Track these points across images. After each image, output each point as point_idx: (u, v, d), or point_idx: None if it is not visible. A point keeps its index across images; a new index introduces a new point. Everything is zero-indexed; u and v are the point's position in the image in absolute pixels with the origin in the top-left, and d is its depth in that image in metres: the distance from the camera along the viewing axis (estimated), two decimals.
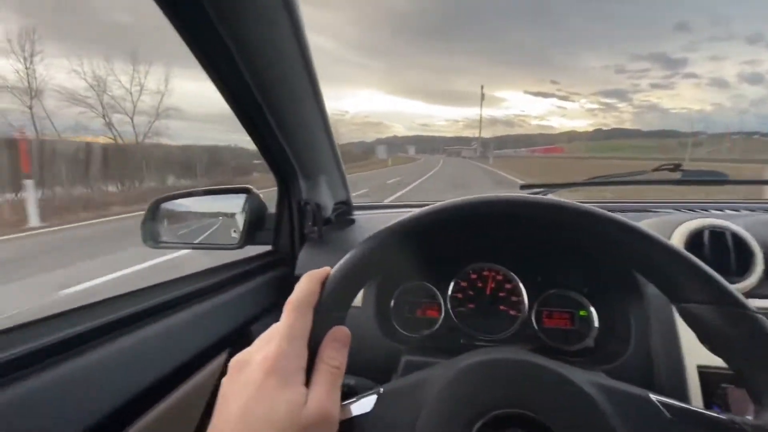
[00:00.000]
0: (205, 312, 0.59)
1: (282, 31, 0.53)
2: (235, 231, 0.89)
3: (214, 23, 0.46)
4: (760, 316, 0.29)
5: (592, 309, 0.70)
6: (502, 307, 0.74)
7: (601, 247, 0.35)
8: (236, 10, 0.46)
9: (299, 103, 0.64)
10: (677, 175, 0.90)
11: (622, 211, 0.90)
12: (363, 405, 0.33)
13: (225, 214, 0.91)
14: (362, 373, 0.55)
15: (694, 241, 0.62)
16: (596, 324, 0.69)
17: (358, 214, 0.99)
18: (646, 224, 0.74)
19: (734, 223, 0.63)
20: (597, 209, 0.34)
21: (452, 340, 0.74)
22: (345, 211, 0.97)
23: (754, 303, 0.59)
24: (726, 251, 0.61)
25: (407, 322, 0.76)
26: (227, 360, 0.61)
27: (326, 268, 0.35)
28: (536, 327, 0.71)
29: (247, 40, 0.50)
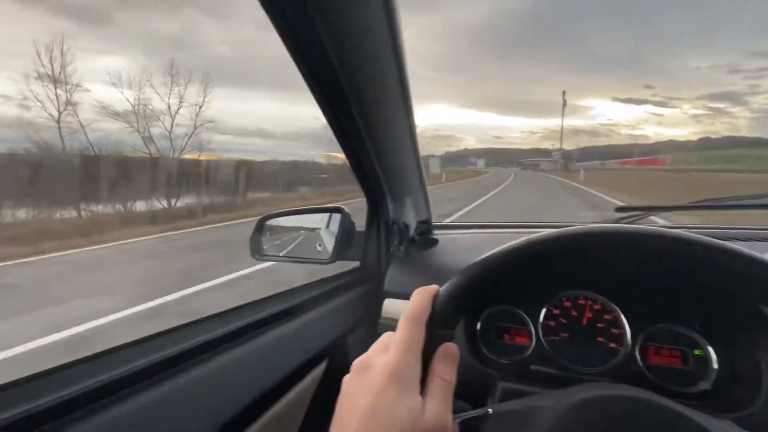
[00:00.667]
0: (305, 324, 0.66)
1: (385, 58, 0.58)
2: (320, 245, 0.97)
3: (327, 52, 0.51)
4: None
5: (710, 348, 0.62)
6: (600, 339, 0.69)
7: (724, 280, 0.33)
8: (346, 39, 0.52)
9: (395, 127, 0.69)
10: None
11: (740, 239, 0.80)
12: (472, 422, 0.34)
13: (312, 230, 1.00)
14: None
15: None
16: (715, 365, 0.61)
17: (438, 234, 1.01)
18: None
19: None
20: (726, 244, 0.32)
21: (544, 368, 0.71)
22: (426, 230, 1.00)
23: None
24: None
25: (494, 346, 0.76)
26: (326, 369, 0.68)
27: (435, 286, 0.38)
28: (641, 363, 0.66)
29: (355, 68, 0.56)
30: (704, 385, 0.61)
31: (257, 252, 0.89)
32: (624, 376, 0.66)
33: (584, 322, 0.71)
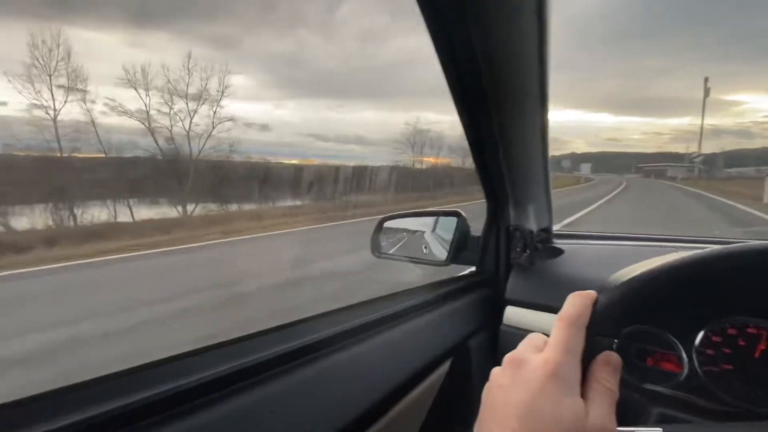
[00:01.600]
0: (427, 324, 0.68)
1: (531, 69, 0.58)
2: (431, 247, 1.00)
3: (475, 50, 0.53)
4: None
5: None
6: None
7: None
8: (496, 37, 0.53)
9: (528, 129, 0.69)
10: None
11: None
12: None
13: (426, 232, 1.04)
14: None
15: None
16: None
17: (560, 243, 0.96)
18: None
19: None
20: None
21: (702, 401, 0.63)
22: (546, 239, 0.96)
23: None
24: None
25: (635, 369, 0.69)
26: (450, 370, 0.70)
27: (593, 292, 0.37)
28: None
29: (499, 67, 0.57)
30: None
31: (377, 250, 0.95)
32: None
33: (756, 354, 0.61)
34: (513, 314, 0.79)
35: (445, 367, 0.68)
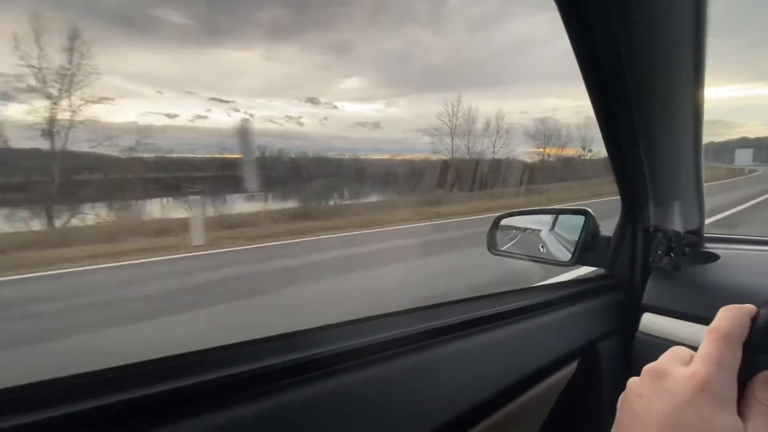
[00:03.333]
0: (554, 322, 0.68)
1: (684, 63, 0.54)
2: (543, 247, 0.97)
3: (622, 59, 0.52)
4: None
5: None
6: None
7: None
8: (643, 42, 0.51)
9: (675, 122, 0.63)
10: None
11: None
12: None
13: (540, 231, 1.01)
14: None
15: None
16: None
17: (713, 247, 0.84)
18: None
19: None
20: None
21: None
22: (696, 242, 0.85)
23: None
24: None
25: None
26: (576, 371, 0.69)
27: (751, 306, 0.34)
28: None
29: (645, 74, 0.54)
30: None
31: (493, 246, 0.97)
32: None
33: None
34: (650, 321, 0.73)
35: (572, 368, 0.68)
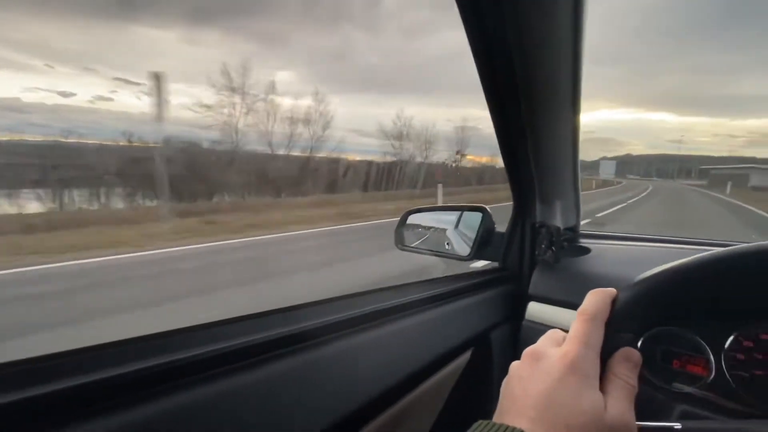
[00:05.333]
0: (449, 314, 0.72)
1: (564, 56, 0.61)
2: (449, 243, 1.04)
3: (510, 48, 0.56)
4: None
5: None
6: None
7: None
8: (531, 36, 0.56)
9: (558, 130, 0.72)
10: None
11: None
12: None
13: (448, 226, 1.07)
14: None
15: None
16: None
17: (586, 242, 0.97)
18: None
19: None
20: None
21: (729, 405, 0.63)
22: (573, 238, 0.97)
23: None
24: None
25: (660, 371, 0.70)
26: (470, 360, 0.74)
27: (612, 290, 0.39)
28: None
29: (533, 65, 0.59)
30: None
31: (400, 242, 1.01)
32: None
33: None
34: (535, 310, 0.81)
35: (465, 357, 0.72)
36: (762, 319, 0.64)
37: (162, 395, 0.36)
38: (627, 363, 0.35)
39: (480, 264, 1.06)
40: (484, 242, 0.93)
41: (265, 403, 0.42)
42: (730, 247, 0.40)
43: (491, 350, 0.78)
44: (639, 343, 0.73)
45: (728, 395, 0.64)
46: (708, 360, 0.67)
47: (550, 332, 0.37)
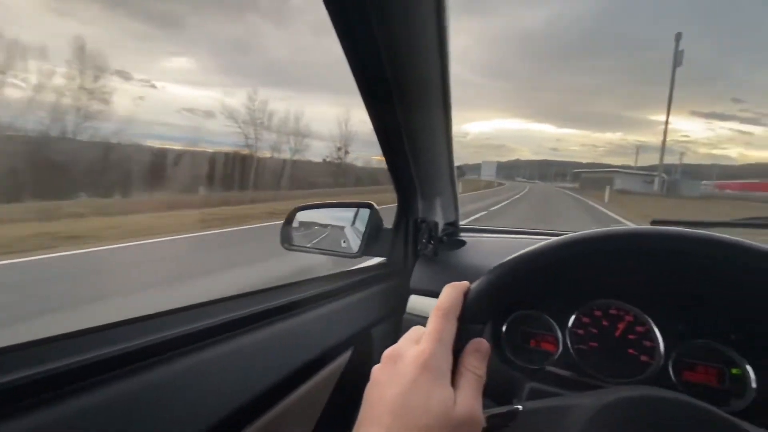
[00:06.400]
0: (331, 313, 0.71)
1: (432, 61, 0.63)
2: (344, 241, 1.04)
3: (380, 52, 0.56)
4: None
5: (748, 367, 0.62)
6: (631, 351, 0.70)
7: (763, 289, 0.34)
8: (399, 42, 0.57)
9: (432, 129, 0.75)
10: None
11: None
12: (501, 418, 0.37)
13: (340, 224, 1.07)
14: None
15: None
16: (753, 384, 0.61)
17: (465, 236, 1.05)
18: None
19: None
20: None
21: (570, 376, 0.73)
22: (453, 232, 1.04)
23: None
24: None
25: (520, 350, 0.78)
26: (350, 359, 0.73)
27: (466, 283, 0.41)
28: (674, 379, 0.66)
29: (403, 69, 0.61)
30: (741, 405, 0.61)
31: (286, 241, 0.96)
32: None
33: (617, 333, 0.72)
34: (415, 302, 0.85)
35: (346, 357, 0.71)
36: (596, 298, 0.76)
37: (35, 408, 0.35)
38: (477, 354, 0.36)
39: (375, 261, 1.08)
40: (372, 239, 0.94)
41: (137, 410, 0.41)
42: (562, 236, 0.44)
43: (372, 347, 0.79)
44: (504, 328, 0.81)
45: (571, 367, 0.74)
46: (556, 337, 0.77)
47: (411, 330, 0.37)
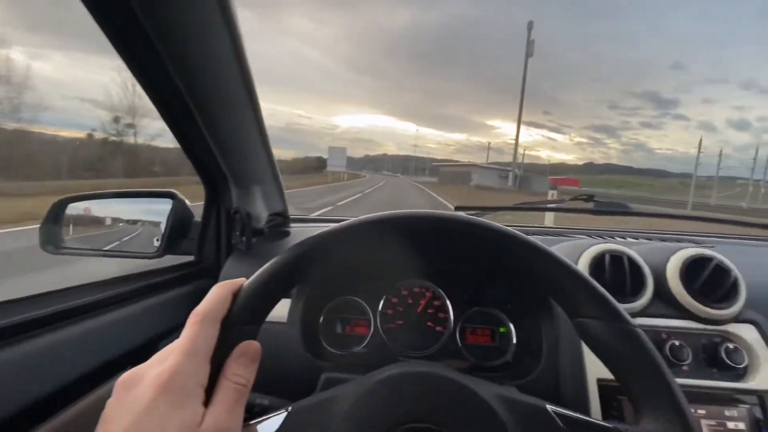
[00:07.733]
0: (107, 324, 0.59)
1: (217, 35, 0.54)
2: (157, 240, 0.88)
3: (143, 25, 0.46)
4: (640, 331, 0.34)
5: (511, 326, 0.76)
6: (429, 324, 0.78)
7: (518, 266, 0.39)
8: (167, 14, 0.47)
9: (233, 109, 0.64)
10: (590, 205, 1.04)
11: (542, 234, 0.99)
12: (270, 424, 0.34)
13: (146, 221, 0.90)
14: (282, 392, 0.57)
15: (598, 264, 0.70)
16: (514, 340, 0.75)
17: (294, 227, 1.01)
18: (558, 248, 0.80)
19: (631, 249, 0.71)
20: (515, 231, 0.38)
21: (380, 356, 0.76)
22: (281, 223, 0.98)
23: (644, 321, 0.66)
24: (623, 274, 0.68)
25: (337, 338, 0.78)
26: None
27: (241, 279, 0.36)
28: (459, 343, 0.76)
29: (176, 41, 0.50)
30: (507, 358, 0.74)
31: (52, 243, 0.75)
32: (447, 356, 0.75)
33: (419, 309, 0.78)
34: None
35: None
36: (402, 279, 0.81)
37: None
38: (241, 359, 0.32)
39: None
40: (177, 234, 0.82)
41: None
42: (352, 219, 0.42)
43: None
44: (321, 317, 0.81)
45: (381, 347, 0.76)
46: (369, 320, 0.78)
47: (169, 345, 0.32)
